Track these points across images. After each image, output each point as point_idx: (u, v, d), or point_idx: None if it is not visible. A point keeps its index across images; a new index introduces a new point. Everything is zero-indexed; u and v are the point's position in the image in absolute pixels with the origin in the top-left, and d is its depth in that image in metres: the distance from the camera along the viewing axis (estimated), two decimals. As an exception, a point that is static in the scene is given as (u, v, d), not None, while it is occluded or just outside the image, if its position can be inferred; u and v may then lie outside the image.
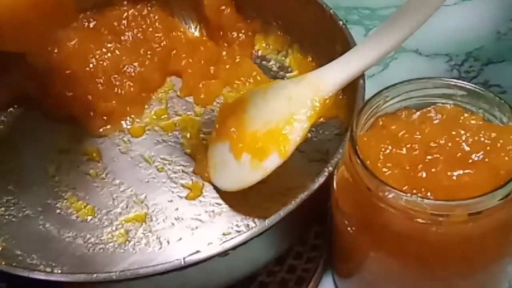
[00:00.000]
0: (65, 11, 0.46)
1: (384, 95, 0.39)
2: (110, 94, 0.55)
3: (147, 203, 0.51)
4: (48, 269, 0.46)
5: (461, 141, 0.37)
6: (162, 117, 0.56)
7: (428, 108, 0.39)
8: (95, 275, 0.38)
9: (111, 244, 0.48)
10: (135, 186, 0.52)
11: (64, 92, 0.55)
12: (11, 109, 0.56)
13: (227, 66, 0.57)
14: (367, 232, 0.38)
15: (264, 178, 0.46)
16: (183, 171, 0.52)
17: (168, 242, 0.48)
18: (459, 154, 0.37)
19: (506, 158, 0.36)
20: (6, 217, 0.50)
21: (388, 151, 0.37)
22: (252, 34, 0.59)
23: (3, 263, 0.40)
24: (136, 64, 0.56)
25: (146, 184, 0.52)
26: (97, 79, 0.55)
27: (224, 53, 0.58)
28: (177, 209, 0.50)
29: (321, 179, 0.41)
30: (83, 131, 0.55)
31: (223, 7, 0.58)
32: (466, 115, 0.39)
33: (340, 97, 0.48)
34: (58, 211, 0.50)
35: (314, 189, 0.40)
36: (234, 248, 0.38)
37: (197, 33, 0.61)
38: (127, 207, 0.50)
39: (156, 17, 0.59)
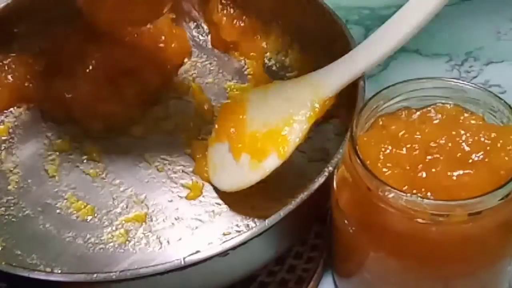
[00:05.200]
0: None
1: (384, 95, 0.39)
2: (110, 96, 0.55)
3: (147, 203, 0.51)
4: (48, 269, 0.46)
5: (461, 141, 0.37)
6: (162, 117, 0.56)
7: (428, 108, 0.39)
8: (95, 275, 0.38)
9: (111, 244, 0.48)
10: (135, 186, 0.52)
11: (63, 93, 0.55)
12: (11, 109, 0.56)
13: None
14: (367, 232, 0.38)
15: (263, 178, 0.46)
16: (183, 171, 0.52)
17: (168, 242, 0.48)
18: (459, 154, 0.37)
19: (506, 158, 0.36)
20: (6, 217, 0.50)
21: (388, 151, 0.37)
22: (253, 34, 0.59)
23: (3, 263, 0.40)
24: (137, 65, 0.56)
25: (146, 184, 0.52)
26: (97, 81, 0.55)
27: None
28: (177, 209, 0.50)
29: (321, 179, 0.41)
30: (83, 131, 0.55)
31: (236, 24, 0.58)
32: (466, 115, 0.39)
33: (340, 97, 0.48)
34: (58, 211, 0.50)
35: (314, 189, 0.40)
36: (234, 248, 0.38)
37: (200, 36, 0.61)
38: (127, 207, 0.50)
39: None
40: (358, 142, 0.37)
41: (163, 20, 0.58)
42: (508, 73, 0.60)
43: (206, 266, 0.38)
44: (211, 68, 0.59)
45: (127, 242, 0.48)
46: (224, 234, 0.48)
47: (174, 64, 0.58)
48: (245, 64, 0.59)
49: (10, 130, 0.55)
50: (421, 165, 0.36)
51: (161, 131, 0.55)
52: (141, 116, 0.56)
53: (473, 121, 0.38)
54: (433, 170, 0.36)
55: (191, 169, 0.52)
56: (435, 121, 0.39)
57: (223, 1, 0.58)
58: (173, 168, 0.53)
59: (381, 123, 0.39)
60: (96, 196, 0.51)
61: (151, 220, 0.49)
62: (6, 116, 0.56)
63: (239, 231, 0.48)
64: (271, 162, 0.46)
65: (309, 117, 0.45)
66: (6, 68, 0.56)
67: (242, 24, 0.58)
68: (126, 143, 0.54)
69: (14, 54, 0.56)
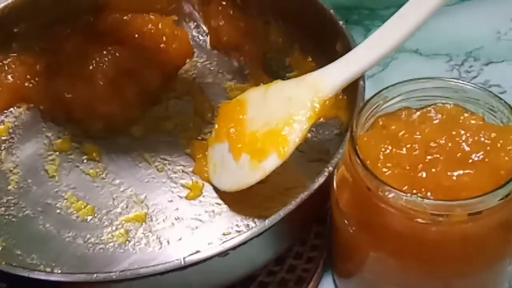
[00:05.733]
0: None
1: (384, 95, 0.39)
2: (110, 97, 0.55)
3: (147, 203, 0.51)
4: (48, 269, 0.46)
5: (461, 141, 0.37)
6: (162, 117, 0.56)
7: (428, 108, 0.39)
8: (95, 275, 0.38)
9: (111, 244, 0.48)
10: (135, 186, 0.52)
11: (63, 93, 0.55)
12: (11, 109, 0.56)
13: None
14: (367, 232, 0.38)
15: (263, 178, 0.46)
16: (183, 171, 0.52)
17: (168, 242, 0.48)
18: (459, 154, 0.37)
19: (506, 158, 0.36)
20: (6, 217, 0.50)
21: (388, 151, 0.37)
22: (253, 34, 0.59)
23: (3, 263, 0.40)
24: (137, 66, 0.56)
25: (146, 184, 0.52)
26: (97, 81, 0.55)
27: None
28: (177, 209, 0.50)
29: (321, 179, 0.41)
30: (83, 131, 0.55)
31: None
32: (466, 115, 0.39)
33: (340, 97, 0.48)
34: (58, 211, 0.50)
35: (314, 189, 0.40)
36: (234, 248, 0.38)
37: (200, 37, 0.61)
38: (127, 207, 0.50)
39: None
40: (358, 142, 0.37)
41: (165, 21, 0.58)
42: (508, 73, 0.60)
43: (206, 266, 0.38)
44: (211, 68, 0.59)
45: (127, 242, 0.48)
46: (224, 234, 0.48)
47: (175, 65, 0.58)
48: (245, 64, 0.59)
49: (10, 130, 0.55)
50: (421, 165, 0.36)
51: (161, 131, 0.55)
52: (141, 116, 0.56)
53: (473, 121, 0.38)
54: (433, 170, 0.36)
55: (191, 169, 0.52)
56: (435, 121, 0.39)
57: (223, 2, 0.58)
58: (173, 168, 0.53)
59: (381, 123, 0.39)
60: (96, 196, 0.51)
61: (151, 220, 0.49)
62: (6, 116, 0.56)
63: (239, 231, 0.48)
64: (271, 162, 0.45)
65: (309, 117, 0.45)
66: (6, 68, 0.56)
67: (242, 25, 0.58)
68: (126, 143, 0.54)
69: (14, 54, 0.56)
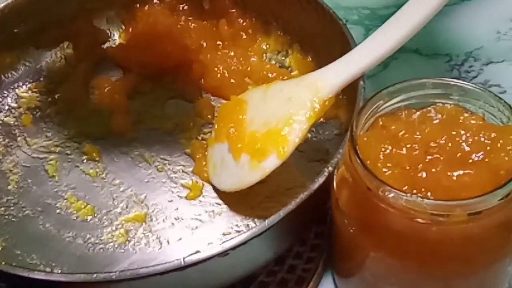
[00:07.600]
0: None
1: (384, 95, 0.39)
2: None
3: (147, 203, 0.51)
4: (48, 269, 0.46)
5: (461, 141, 0.37)
6: (162, 117, 0.56)
7: (428, 108, 0.39)
8: (95, 275, 0.38)
9: (111, 244, 0.48)
10: (135, 186, 0.52)
11: None
12: (11, 109, 0.56)
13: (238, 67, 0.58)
14: (367, 232, 0.38)
15: (263, 178, 0.46)
16: (183, 171, 0.52)
17: (168, 242, 0.48)
18: (459, 154, 0.37)
19: (506, 158, 0.36)
20: (6, 217, 0.50)
21: (388, 151, 0.37)
22: (253, 33, 0.59)
23: (3, 263, 0.40)
24: None
25: (146, 184, 0.52)
26: None
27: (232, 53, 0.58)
28: (177, 209, 0.50)
29: (321, 179, 0.41)
30: (83, 131, 0.55)
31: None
32: (466, 115, 0.39)
33: (340, 97, 0.48)
34: (58, 211, 0.50)
35: (314, 189, 0.40)
36: (234, 248, 0.38)
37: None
38: (127, 207, 0.50)
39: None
40: (358, 142, 0.37)
41: None
42: (508, 73, 0.60)
43: (206, 266, 0.38)
44: (211, 68, 0.59)
45: (127, 242, 0.48)
46: (224, 234, 0.48)
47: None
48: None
49: (10, 130, 0.55)
50: (421, 165, 0.36)
51: (161, 131, 0.55)
52: (141, 116, 0.56)
53: (473, 121, 0.38)
54: (433, 170, 0.36)
55: (191, 169, 0.52)
56: (435, 121, 0.39)
57: (227, 2, 0.58)
58: (173, 168, 0.53)
59: (381, 123, 0.39)
60: (96, 196, 0.51)
61: (151, 220, 0.49)
62: (6, 116, 0.56)
63: (239, 231, 0.48)
64: (271, 162, 0.45)
65: (309, 117, 0.45)
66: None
67: (244, 24, 0.58)
68: (126, 143, 0.54)
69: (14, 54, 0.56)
